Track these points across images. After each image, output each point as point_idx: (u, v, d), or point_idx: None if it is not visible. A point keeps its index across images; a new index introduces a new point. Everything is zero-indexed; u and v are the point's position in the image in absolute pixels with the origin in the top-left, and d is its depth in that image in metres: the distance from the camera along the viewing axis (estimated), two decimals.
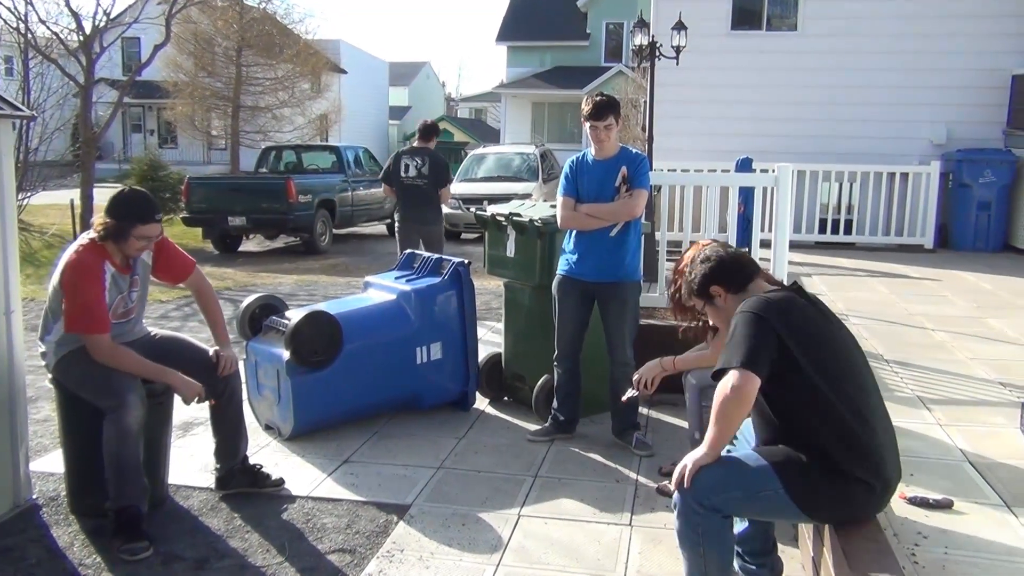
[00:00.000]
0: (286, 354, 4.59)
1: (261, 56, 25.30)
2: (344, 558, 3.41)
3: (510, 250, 5.15)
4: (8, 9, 14.09)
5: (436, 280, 5.13)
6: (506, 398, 5.46)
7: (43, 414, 5.14)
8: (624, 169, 4.45)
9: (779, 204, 5.56)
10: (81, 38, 13.82)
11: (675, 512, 2.66)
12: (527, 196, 13.47)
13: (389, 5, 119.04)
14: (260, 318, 4.98)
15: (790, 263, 5.64)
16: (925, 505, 3.18)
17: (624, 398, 4.18)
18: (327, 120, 29.65)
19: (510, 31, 33.02)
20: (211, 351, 3.89)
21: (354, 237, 16.07)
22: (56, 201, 15.42)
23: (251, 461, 4.07)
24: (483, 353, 5.47)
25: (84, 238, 3.65)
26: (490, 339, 6.59)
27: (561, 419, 4.75)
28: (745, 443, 2.96)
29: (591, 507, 3.86)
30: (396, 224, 8.26)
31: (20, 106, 4.02)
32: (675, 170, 10.48)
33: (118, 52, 28.04)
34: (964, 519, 3.14)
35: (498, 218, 5.22)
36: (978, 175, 10.73)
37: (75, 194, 13.83)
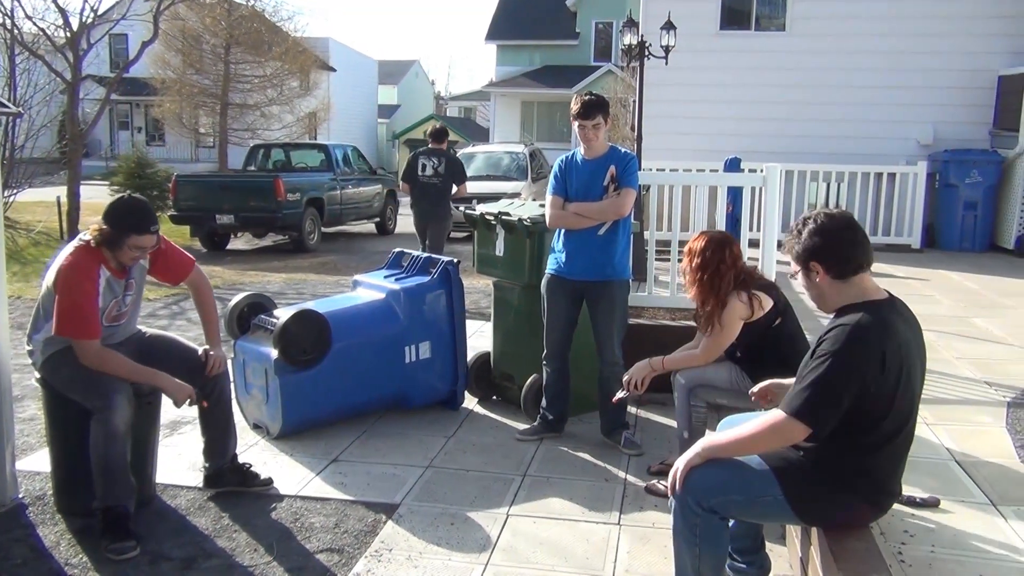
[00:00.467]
0: (274, 353, 4.57)
1: (249, 53, 25.25)
2: (332, 557, 3.40)
3: (499, 249, 5.15)
4: None
5: (425, 279, 5.13)
6: (495, 397, 5.46)
7: (29, 413, 5.11)
8: (613, 168, 4.45)
9: (767, 204, 5.58)
10: (68, 34, 13.72)
11: (672, 510, 2.65)
12: (516, 195, 13.47)
13: (378, 3, 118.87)
14: (248, 317, 4.96)
15: (778, 263, 5.65)
16: (912, 504, 3.19)
17: (614, 399, 4.20)
18: (316, 118, 29.59)
19: (499, 30, 33.01)
20: (200, 350, 3.87)
21: (343, 236, 16.04)
22: (43, 198, 15.35)
23: (239, 460, 4.06)
24: (472, 352, 5.47)
25: (80, 240, 3.62)
26: (479, 338, 6.59)
27: (550, 418, 4.76)
28: None
29: (580, 506, 3.87)
30: (413, 222, 9.20)
31: (6, 103, 4.01)
32: (664, 169, 10.51)
33: (105, 49, 27.94)
34: (950, 517, 3.16)
35: (487, 217, 5.21)
36: (965, 175, 10.79)
37: (62, 191, 13.74)
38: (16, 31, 13.78)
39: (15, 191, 13.56)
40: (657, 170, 10.35)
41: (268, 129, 25.89)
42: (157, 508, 3.85)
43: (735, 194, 7.57)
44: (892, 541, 2.92)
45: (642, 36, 11.20)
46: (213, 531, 3.63)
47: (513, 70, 32.02)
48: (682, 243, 4.19)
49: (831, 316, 2.64)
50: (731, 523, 2.96)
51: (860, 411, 2.45)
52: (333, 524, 3.69)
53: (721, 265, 3.78)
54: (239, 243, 14.67)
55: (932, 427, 4.24)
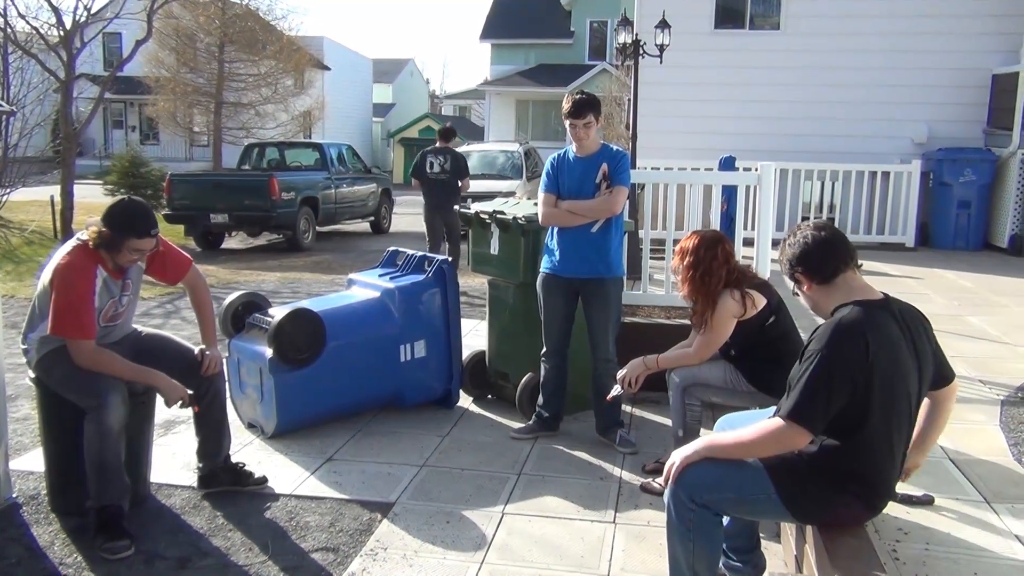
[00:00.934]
0: (269, 352, 4.57)
1: (244, 52, 25.21)
2: (327, 556, 3.40)
3: (494, 248, 5.15)
4: None
5: (420, 278, 5.12)
6: (490, 396, 5.46)
7: (23, 412, 5.10)
8: (605, 166, 4.46)
9: (762, 202, 5.58)
10: (61, 33, 13.68)
11: (667, 504, 2.66)
12: (511, 194, 13.49)
13: (373, 2, 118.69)
14: (243, 316, 4.95)
15: (772, 261, 5.66)
16: (907, 502, 3.20)
17: (609, 396, 4.20)
18: (310, 117, 29.58)
19: (494, 29, 33.00)
20: (196, 350, 3.87)
21: (337, 234, 16.03)
22: (36, 197, 15.30)
23: (234, 459, 4.06)
24: (467, 351, 5.47)
25: (77, 240, 3.60)
26: (474, 337, 6.59)
27: (545, 416, 4.76)
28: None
29: (575, 504, 3.87)
30: (423, 216, 10.01)
31: (0, 101, 3.99)
32: (659, 168, 10.52)
33: (99, 47, 27.83)
34: (945, 515, 3.17)
35: (482, 216, 5.21)
36: (958, 174, 10.82)
37: (55, 190, 13.70)
38: (9, 29, 13.74)
39: (8, 190, 13.52)
40: (652, 169, 10.38)
41: (262, 128, 25.84)
42: (151, 507, 3.85)
43: (730, 193, 7.56)
44: (886, 539, 2.92)
45: (636, 35, 11.19)
46: (208, 530, 3.62)
47: (508, 69, 32.01)
48: (677, 242, 4.19)
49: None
50: (726, 521, 2.97)
51: (850, 405, 2.47)
52: (328, 523, 3.69)
53: (713, 263, 3.79)
54: (233, 242, 14.64)
55: None
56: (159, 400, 3.73)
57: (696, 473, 2.59)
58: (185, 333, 5.44)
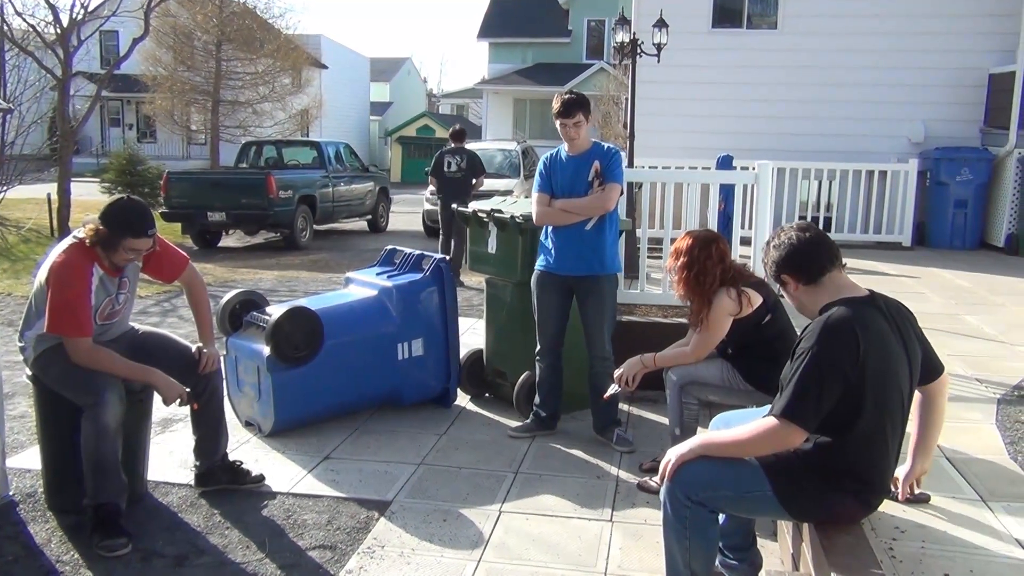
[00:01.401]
0: (267, 350, 4.57)
1: (241, 50, 25.18)
2: (325, 554, 3.40)
3: (491, 246, 5.15)
4: None
5: (418, 276, 5.12)
6: (487, 395, 5.46)
7: (20, 410, 5.09)
8: (597, 164, 4.48)
9: (759, 201, 5.59)
10: (58, 31, 13.65)
11: (663, 502, 2.66)
12: (509, 192, 13.47)
13: (370, 1, 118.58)
14: (240, 314, 4.95)
15: None
16: (905, 500, 3.20)
17: (606, 395, 4.21)
18: (308, 115, 29.54)
19: (492, 27, 32.98)
20: (194, 348, 3.87)
21: (335, 233, 16.02)
22: (33, 195, 15.27)
23: (231, 457, 4.05)
24: (464, 350, 5.47)
25: (74, 238, 3.60)
26: (472, 336, 6.59)
27: (542, 415, 4.76)
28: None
29: (572, 503, 3.87)
30: (439, 211, 10.50)
31: None
32: (656, 167, 10.53)
33: (96, 45, 27.83)
34: (941, 513, 3.17)
35: (480, 215, 5.21)
36: (955, 173, 10.83)
37: (52, 188, 13.68)
38: (6, 27, 13.71)
39: (5, 188, 13.49)
40: (649, 168, 10.38)
41: (260, 126, 25.81)
42: (148, 505, 3.85)
43: (727, 192, 7.57)
44: (883, 537, 2.93)
45: (634, 34, 11.19)
46: (205, 528, 3.62)
47: (505, 67, 32.00)
48: (674, 241, 4.20)
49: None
50: (722, 519, 2.97)
51: (844, 401, 2.48)
52: (325, 521, 3.69)
53: (707, 263, 3.79)
54: (231, 240, 14.63)
55: None
56: (156, 398, 3.73)
57: (692, 471, 2.60)
58: (182, 331, 5.43)
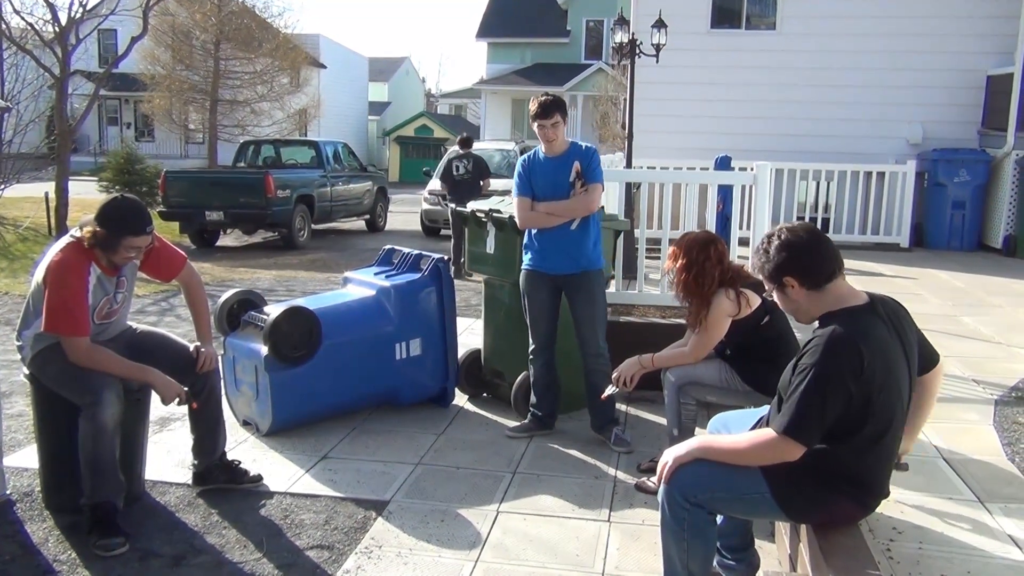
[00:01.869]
0: (264, 350, 4.56)
1: (239, 50, 25.14)
2: (322, 554, 3.40)
3: (490, 246, 5.16)
4: None
5: (416, 276, 5.12)
6: (485, 395, 5.46)
7: (17, 409, 5.08)
8: (577, 164, 4.50)
9: (757, 202, 5.59)
10: (56, 29, 13.62)
11: (660, 503, 2.66)
12: (507, 192, 13.48)
13: (369, 0, 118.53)
14: (238, 313, 4.95)
15: None
16: None
17: (603, 395, 4.22)
18: (306, 115, 29.53)
19: (491, 27, 32.98)
20: (191, 347, 3.86)
21: (333, 232, 16.01)
22: (30, 194, 15.27)
23: (229, 457, 4.05)
24: (462, 349, 5.46)
25: (71, 237, 3.59)
26: (469, 335, 6.59)
27: (540, 415, 4.76)
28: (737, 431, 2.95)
29: (570, 503, 3.87)
30: (450, 213, 11.03)
31: None
32: (654, 168, 10.54)
33: (94, 44, 27.82)
34: (938, 515, 3.18)
35: (478, 215, 5.21)
36: (953, 175, 10.84)
37: (50, 187, 13.65)
38: (3, 25, 13.69)
39: (3, 186, 13.49)
40: (648, 168, 10.39)
41: (258, 125, 25.78)
42: (146, 505, 3.84)
43: (725, 193, 7.58)
44: (880, 538, 2.93)
45: (633, 34, 11.19)
46: (202, 528, 3.62)
47: (504, 68, 32.00)
48: (672, 242, 4.20)
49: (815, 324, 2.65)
50: (720, 520, 2.97)
51: (846, 415, 2.46)
52: (323, 521, 3.69)
53: (706, 264, 3.80)
54: (228, 240, 14.62)
55: None
56: (155, 397, 3.72)
57: (690, 473, 2.60)
58: (180, 331, 5.43)
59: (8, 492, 3.89)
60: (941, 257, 10.19)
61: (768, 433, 2.51)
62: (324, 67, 35.26)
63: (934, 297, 7.58)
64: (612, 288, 5.75)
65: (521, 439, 4.71)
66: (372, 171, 17.31)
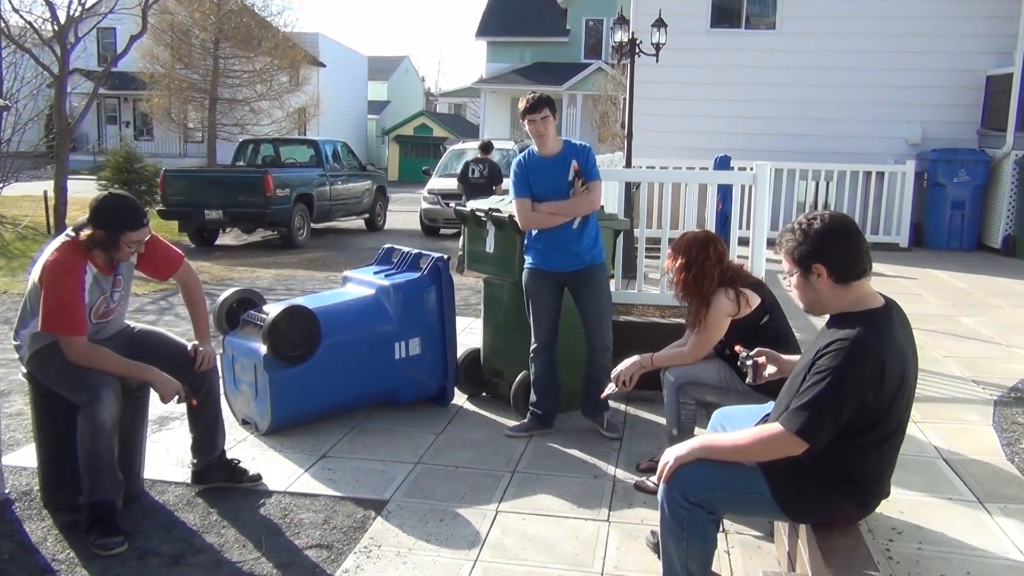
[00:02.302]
0: (264, 348, 4.56)
1: (239, 48, 25.12)
2: (321, 553, 3.40)
3: (489, 246, 5.15)
4: None
5: (415, 275, 5.12)
6: (484, 394, 5.46)
7: (15, 408, 5.08)
8: (575, 163, 4.55)
9: (757, 202, 5.59)
10: (55, 28, 13.63)
11: (660, 503, 2.66)
12: (506, 192, 13.52)
13: None
14: (237, 312, 4.94)
15: (767, 261, 5.68)
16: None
17: (603, 395, 4.22)
18: (305, 114, 29.50)
19: (490, 26, 32.96)
20: (189, 346, 3.86)
21: (332, 231, 16.01)
22: (29, 192, 15.26)
23: (228, 456, 4.04)
24: (462, 349, 5.46)
25: (66, 236, 3.58)
26: (469, 335, 6.59)
27: (539, 414, 4.76)
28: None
29: (569, 503, 3.87)
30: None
31: None
32: (654, 167, 10.53)
33: (93, 42, 27.77)
34: (938, 515, 3.18)
35: (477, 214, 5.21)
36: (952, 175, 10.84)
37: (48, 185, 13.67)
38: (2, 24, 13.68)
39: (2, 185, 13.48)
40: (648, 168, 10.38)
41: (257, 124, 25.77)
42: (145, 504, 3.83)
43: (725, 192, 7.58)
44: (880, 538, 2.93)
45: (633, 33, 11.19)
46: (201, 527, 3.62)
47: (503, 67, 31.98)
48: (672, 241, 4.20)
49: (825, 319, 2.63)
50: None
51: (856, 420, 2.45)
52: (322, 520, 3.68)
53: (705, 263, 3.80)
54: (228, 238, 14.62)
55: (920, 425, 4.26)
56: (153, 396, 3.72)
57: (690, 472, 2.59)
58: (179, 329, 5.42)
59: (7, 491, 3.88)
60: (940, 257, 10.19)
61: (774, 428, 2.49)
62: (323, 66, 35.24)
63: (934, 297, 7.58)
64: (612, 287, 5.75)
65: (520, 438, 4.71)
66: (371, 170, 17.30)
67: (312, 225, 14.26)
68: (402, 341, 5.02)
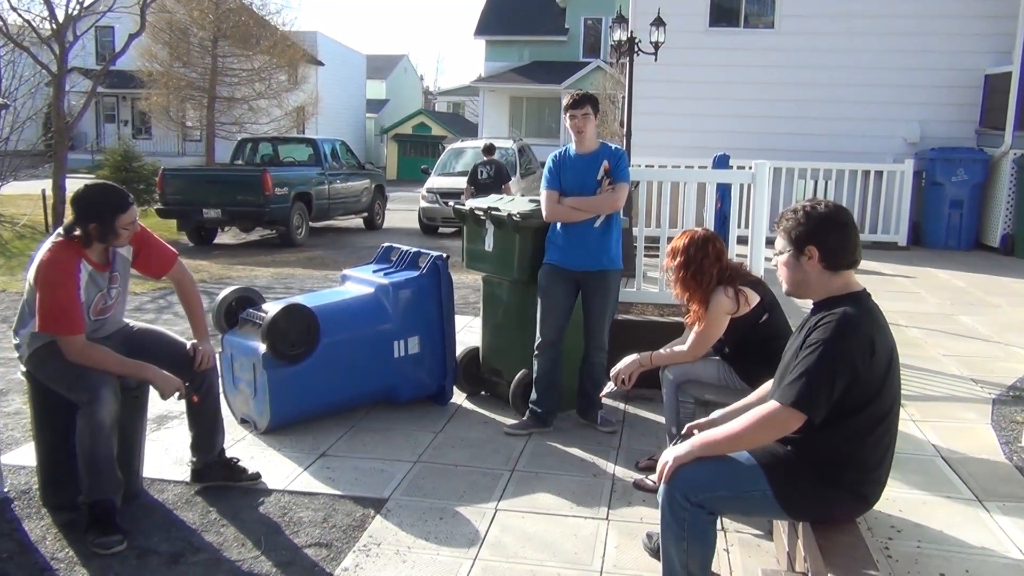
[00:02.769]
0: (262, 347, 4.56)
1: (237, 47, 25.08)
2: (321, 552, 3.40)
3: (488, 244, 5.15)
4: None
5: (414, 273, 5.12)
6: (483, 393, 5.46)
7: (14, 407, 5.08)
8: (606, 163, 4.60)
9: (756, 201, 5.59)
10: (54, 26, 13.62)
11: (660, 504, 2.66)
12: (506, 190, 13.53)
13: None
14: (236, 311, 4.94)
15: (766, 259, 5.67)
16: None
17: (602, 393, 4.24)
18: (304, 112, 29.44)
19: (489, 25, 32.97)
20: (188, 344, 3.85)
21: (331, 230, 16.01)
22: (28, 191, 15.24)
23: (227, 455, 4.04)
24: (461, 347, 5.46)
25: (58, 235, 3.58)
26: (468, 333, 6.59)
27: (539, 412, 4.77)
28: None
29: (568, 501, 3.87)
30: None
31: None
32: (653, 166, 10.54)
33: (92, 41, 27.68)
34: (937, 513, 3.18)
35: (476, 212, 5.21)
36: (951, 174, 10.86)
37: (47, 184, 13.66)
38: (1, 22, 13.67)
39: (0, 184, 13.46)
40: (646, 167, 10.39)
41: (256, 123, 25.74)
42: (144, 503, 3.83)
43: (724, 191, 7.58)
44: (879, 536, 2.94)
45: (631, 32, 11.20)
46: (200, 526, 3.61)
47: (502, 65, 31.99)
48: (671, 240, 4.20)
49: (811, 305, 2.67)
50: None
51: (848, 398, 2.48)
52: (321, 519, 3.68)
53: (704, 262, 3.80)
54: (226, 237, 14.60)
55: (919, 423, 4.27)
56: (153, 395, 3.71)
57: (690, 472, 2.59)
58: (178, 328, 5.42)
59: (6, 490, 3.88)
60: (939, 256, 10.20)
61: (769, 407, 2.51)
62: (322, 64, 35.21)
63: (932, 296, 7.59)
64: None
65: (519, 437, 4.71)
66: (370, 169, 17.30)
67: (311, 224, 14.25)
68: (401, 340, 5.02)
